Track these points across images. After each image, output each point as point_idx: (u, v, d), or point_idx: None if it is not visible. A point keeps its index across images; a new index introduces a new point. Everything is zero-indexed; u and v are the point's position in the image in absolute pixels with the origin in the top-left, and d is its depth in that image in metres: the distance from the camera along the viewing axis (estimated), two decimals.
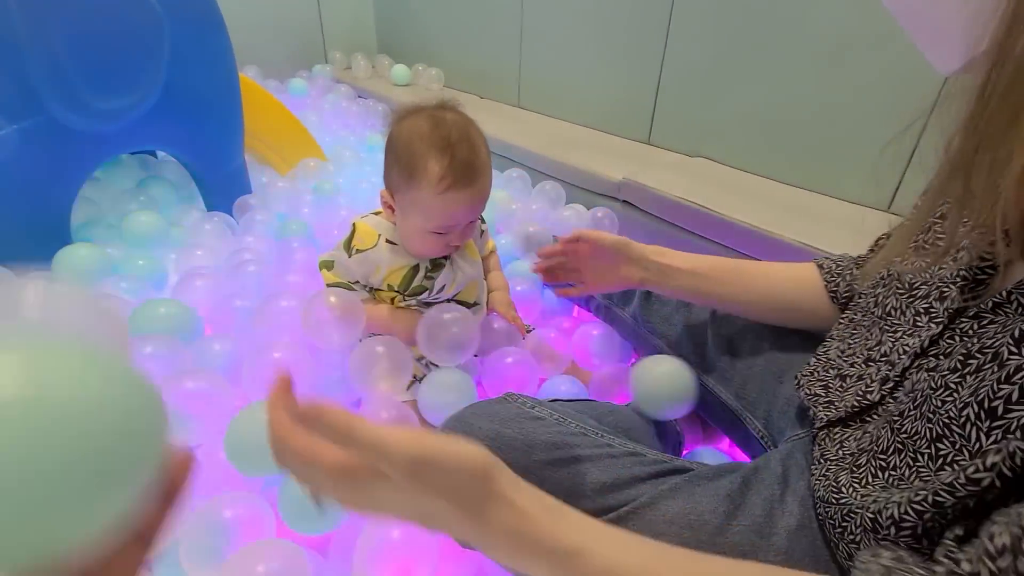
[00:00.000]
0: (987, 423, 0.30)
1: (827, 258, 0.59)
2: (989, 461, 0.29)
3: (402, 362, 0.68)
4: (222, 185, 1.15)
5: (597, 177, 1.19)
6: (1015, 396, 0.29)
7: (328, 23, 2.39)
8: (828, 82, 1.02)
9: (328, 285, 0.71)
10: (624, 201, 1.15)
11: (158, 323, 0.71)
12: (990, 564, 0.25)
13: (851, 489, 0.38)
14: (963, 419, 0.31)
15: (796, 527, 0.41)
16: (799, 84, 1.07)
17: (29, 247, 0.85)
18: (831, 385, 0.47)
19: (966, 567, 0.26)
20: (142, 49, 0.91)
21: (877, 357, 0.44)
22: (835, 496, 0.39)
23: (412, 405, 0.68)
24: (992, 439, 0.29)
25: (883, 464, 0.37)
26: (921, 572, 0.28)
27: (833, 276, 0.57)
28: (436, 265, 0.71)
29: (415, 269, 0.70)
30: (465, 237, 0.69)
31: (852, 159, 1.04)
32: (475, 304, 0.77)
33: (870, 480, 0.38)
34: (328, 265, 0.71)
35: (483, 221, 0.81)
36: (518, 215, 1.13)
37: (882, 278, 0.47)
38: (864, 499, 0.36)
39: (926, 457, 0.34)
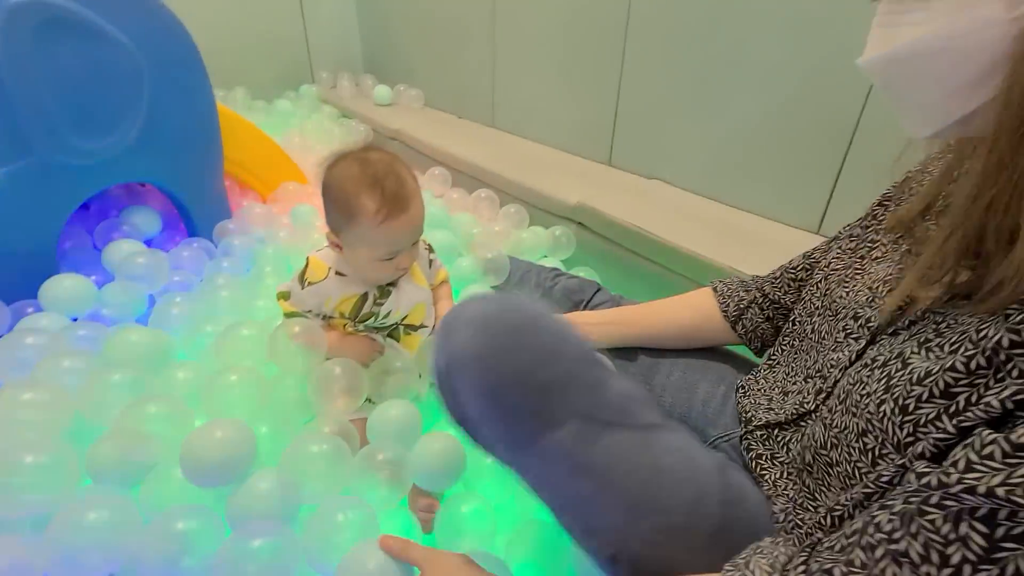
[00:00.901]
0: (899, 418, 0.34)
1: (720, 280, 0.66)
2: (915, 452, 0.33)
3: (358, 382, 0.75)
4: (202, 212, 1.22)
5: (555, 200, 1.26)
6: (925, 396, 0.33)
7: (315, 43, 2.47)
8: (764, 110, 1.09)
9: (285, 314, 0.78)
10: (579, 223, 1.22)
11: (130, 350, 0.78)
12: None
13: (819, 495, 0.42)
14: (881, 414, 0.35)
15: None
16: (738, 112, 1.14)
17: (16, 279, 0.92)
18: (774, 398, 0.53)
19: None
20: (123, 91, 0.98)
21: (813, 374, 0.49)
22: (811, 504, 0.43)
23: (360, 423, 0.75)
24: (905, 432, 0.33)
25: (827, 461, 0.41)
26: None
27: (724, 298, 0.65)
28: (383, 292, 0.78)
29: (364, 297, 0.77)
30: (412, 257, 0.76)
31: (784, 184, 1.11)
32: (422, 327, 0.84)
33: (825, 486, 0.41)
34: (285, 296, 0.78)
35: (432, 251, 0.87)
36: (479, 238, 1.19)
37: (816, 308, 0.53)
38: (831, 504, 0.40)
39: (857, 451, 0.37)
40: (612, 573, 0.44)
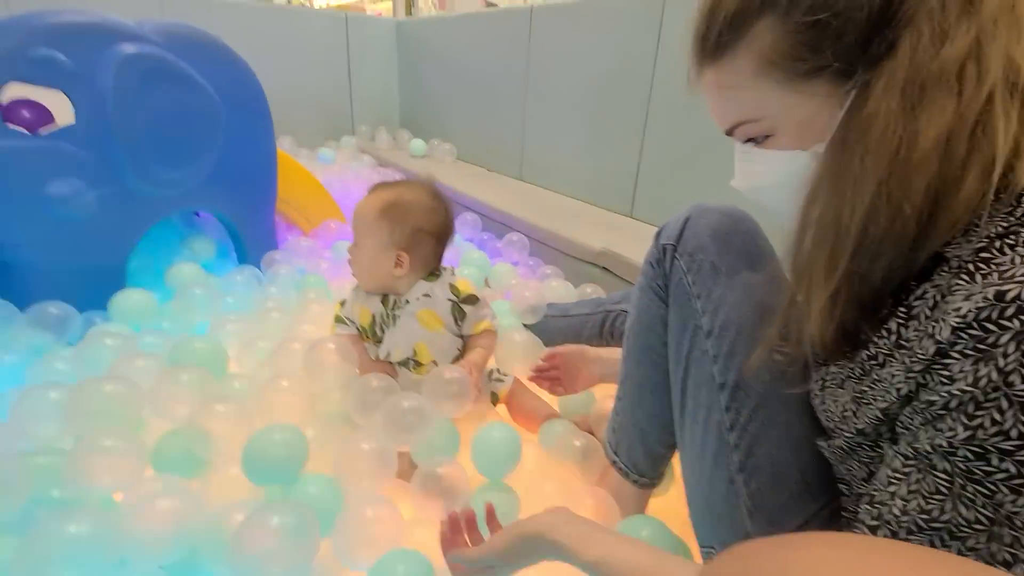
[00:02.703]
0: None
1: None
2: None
3: (393, 393, 0.81)
4: (254, 242, 1.32)
5: (581, 245, 1.35)
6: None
7: (357, 100, 2.68)
8: None
9: (335, 318, 0.88)
10: (603, 268, 1.30)
11: (192, 356, 0.85)
12: None
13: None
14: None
15: None
16: None
17: (92, 290, 1.01)
18: None
19: None
20: (203, 131, 1.11)
21: None
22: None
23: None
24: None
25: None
26: None
27: None
28: (386, 318, 0.86)
29: (373, 317, 0.86)
30: (351, 254, 0.87)
31: None
32: (432, 363, 0.86)
33: None
34: (341, 304, 0.89)
35: (469, 302, 0.87)
36: (515, 288, 1.25)
37: None
38: None
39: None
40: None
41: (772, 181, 0.43)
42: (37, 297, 0.95)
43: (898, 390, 0.35)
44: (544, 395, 0.92)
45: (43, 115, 0.94)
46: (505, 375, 0.94)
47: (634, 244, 1.29)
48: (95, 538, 0.54)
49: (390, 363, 0.86)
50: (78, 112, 0.96)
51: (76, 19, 0.96)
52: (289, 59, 2.42)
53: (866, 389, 0.39)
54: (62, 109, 0.95)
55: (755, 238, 0.57)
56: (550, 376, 0.88)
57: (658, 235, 0.62)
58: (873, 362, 0.38)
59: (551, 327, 1.10)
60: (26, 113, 0.92)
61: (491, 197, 1.71)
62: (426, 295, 0.86)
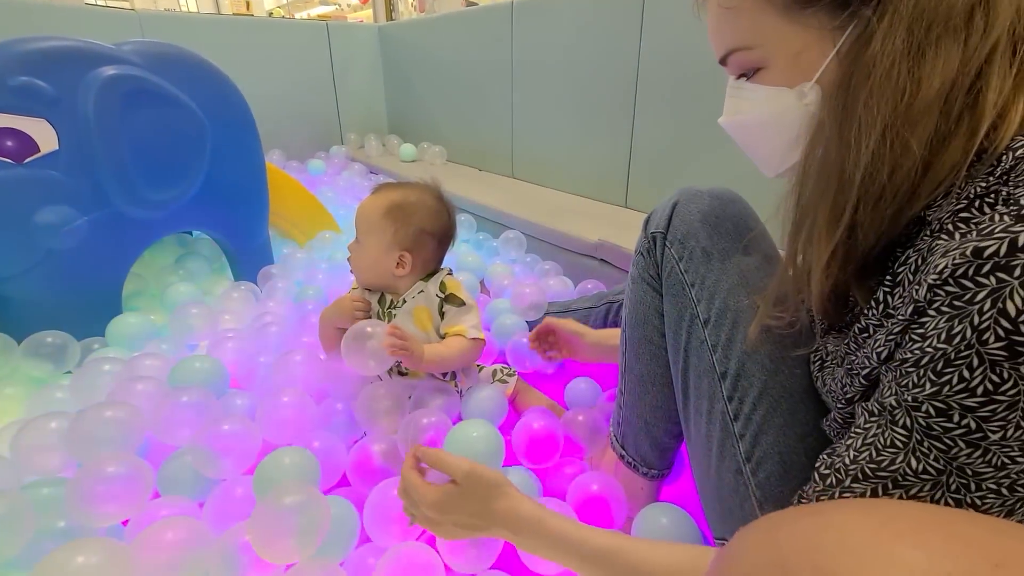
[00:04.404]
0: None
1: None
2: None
3: (400, 401, 0.80)
4: (249, 258, 1.32)
5: (577, 239, 1.34)
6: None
7: (344, 108, 2.67)
8: None
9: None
10: (601, 259, 1.29)
11: (193, 376, 0.84)
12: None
13: None
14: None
15: None
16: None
17: (87, 316, 1.00)
18: None
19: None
20: (190, 150, 1.10)
21: None
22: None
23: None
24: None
25: None
26: None
27: None
28: (380, 316, 0.85)
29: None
30: (352, 252, 0.87)
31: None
32: None
33: None
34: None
35: (451, 302, 0.84)
36: (514, 286, 1.23)
37: None
38: None
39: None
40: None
41: (754, 118, 0.43)
42: (34, 328, 0.94)
43: (878, 354, 0.35)
44: (545, 395, 0.92)
45: (28, 144, 0.93)
46: (510, 375, 0.93)
47: (630, 234, 1.28)
48: (104, 569, 0.53)
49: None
50: (61, 138, 0.95)
51: (53, 45, 0.95)
52: (273, 72, 2.41)
53: (855, 359, 0.39)
54: (46, 137, 0.94)
55: (746, 219, 0.56)
56: (548, 343, 0.92)
57: (647, 223, 0.61)
58: (865, 335, 0.38)
59: None
60: (10, 143, 0.91)
61: (484, 197, 1.70)
62: (421, 292, 0.86)
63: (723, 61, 0.44)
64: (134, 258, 1.09)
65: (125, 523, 0.65)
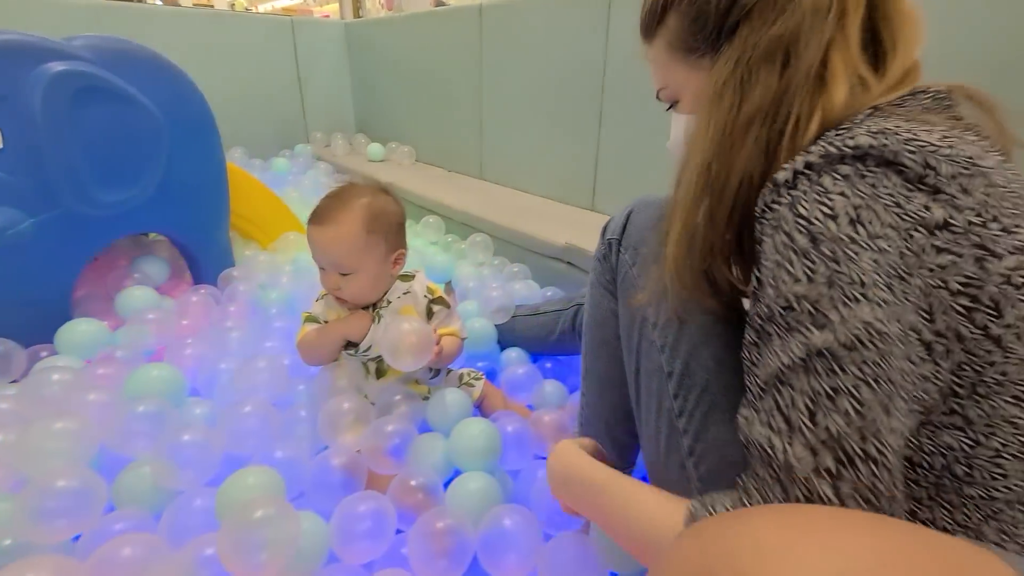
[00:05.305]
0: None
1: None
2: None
3: (364, 415, 0.79)
4: (209, 261, 1.28)
5: (544, 242, 1.35)
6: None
7: (310, 106, 2.62)
8: None
9: (306, 319, 0.85)
10: (568, 263, 1.31)
11: (150, 385, 0.82)
12: None
13: None
14: None
15: None
16: None
17: (35, 323, 0.96)
18: None
19: None
20: (145, 150, 1.07)
21: None
22: None
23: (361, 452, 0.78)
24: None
25: None
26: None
27: None
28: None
29: None
30: (341, 290, 0.79)
31: None
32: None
33: None
34: (304, 315, 0.86)
35: (439, 303, 0.88)
36: (482, 289, 1.24)
37: None
38: None
39: None
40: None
41: (675, 139, 0.55)
42: None
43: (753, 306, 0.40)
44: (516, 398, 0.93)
45: None
46: (477, 379, 0.94)
47: (597, 238, 1.30)
48: None
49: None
50: (6, 137, 0.90)
51: None
52: (235, 67, 2.34)
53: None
54: None
55: None
56: None
57: (604, 230, 0.66)
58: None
59: (521, 326, 1.10)
60: None
61: (453, 199, 1.70)
62: (406, 292, 0.86)
63: (657, 96, 0.55)
64: (85, 261, 1.05)
65: (77, 538, 0.63)
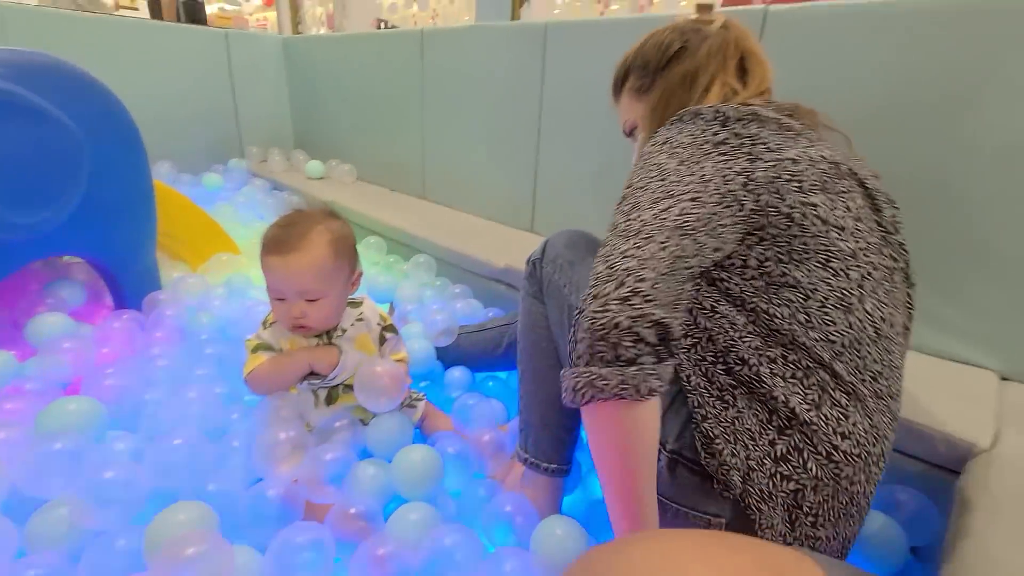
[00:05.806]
0: None
1: None
2: None
3: (300, 444, 0.78)
4: (132, 283, 1.22)
5: (486, 264, 1.39)
6: None
7: (245, 120, 2.54)
8: None
9: (255, 348, 0.82)
10: (508, 284, 1.35)
11: (66, 419, 0.77)
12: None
13: None
14: None
15: None
16: None
17: None
18: None
19: None
20: (62, 169, 1.01)
21: None
22: None
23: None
24: None
25: None
26: None
27: None
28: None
29: None
30: (306, 317, 0.78)
31: None
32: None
33: None
34: (250, 343, 0.83)
35: (391, 331, 0.90)
36: (425, 312, 1.25)
37: None
38: None
39: None
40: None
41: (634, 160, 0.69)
42: None
43: None
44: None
45: None
46: (418, 399, 0.95)
47: None
48: None
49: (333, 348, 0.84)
50: None
51: None
52: (163, 80, 2.24)
53: None
54: None
55: (596, 240, 0.78)
56: None
57: (529, 257, 0.82)
58: None
59: (466, 343, 1.12)
60: None
61: (395, 219, 1.70)
62: (359, 319, 0.86)
63: (623, 131, 0.77)
64: None
65: None
